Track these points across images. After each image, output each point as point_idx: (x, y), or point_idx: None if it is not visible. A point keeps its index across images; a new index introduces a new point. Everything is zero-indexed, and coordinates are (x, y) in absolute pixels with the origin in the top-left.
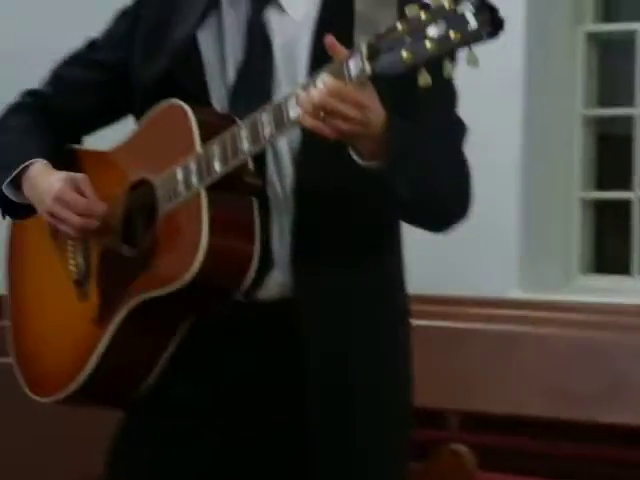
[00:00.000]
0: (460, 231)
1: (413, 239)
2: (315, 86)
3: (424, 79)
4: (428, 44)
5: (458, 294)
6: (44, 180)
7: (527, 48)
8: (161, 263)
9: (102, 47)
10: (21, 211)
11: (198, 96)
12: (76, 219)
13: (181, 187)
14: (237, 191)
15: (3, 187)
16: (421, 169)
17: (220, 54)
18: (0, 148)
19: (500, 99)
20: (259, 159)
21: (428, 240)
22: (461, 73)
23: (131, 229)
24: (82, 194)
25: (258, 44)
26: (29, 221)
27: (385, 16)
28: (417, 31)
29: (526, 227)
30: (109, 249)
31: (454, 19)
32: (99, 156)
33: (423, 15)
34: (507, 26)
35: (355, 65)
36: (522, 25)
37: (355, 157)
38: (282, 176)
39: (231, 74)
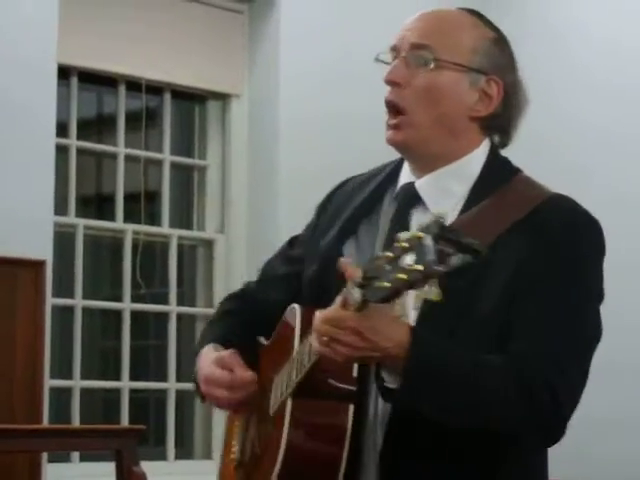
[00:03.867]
0: None
1: None
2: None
3: (434, 294)
4: (399, 274)
5: None
6: (202, 364)
7: None
8: (265, 459)
9: (297, 244)
10: None
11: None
12: (221, 393)
13: (283, 388)
14: (331, 396)
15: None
16: (446, 388)
17: (358, 260)
18: (207, 326)
19: None
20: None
21: None
22: None
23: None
24: (230, 370)
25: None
26: None
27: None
28: (395, 260)
29: None
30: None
31: (421, 251)
32: (269, 347)
33: (402, 244)
34: None
35: (354, 291)
36: None
37: (385, 376)
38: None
39: None
